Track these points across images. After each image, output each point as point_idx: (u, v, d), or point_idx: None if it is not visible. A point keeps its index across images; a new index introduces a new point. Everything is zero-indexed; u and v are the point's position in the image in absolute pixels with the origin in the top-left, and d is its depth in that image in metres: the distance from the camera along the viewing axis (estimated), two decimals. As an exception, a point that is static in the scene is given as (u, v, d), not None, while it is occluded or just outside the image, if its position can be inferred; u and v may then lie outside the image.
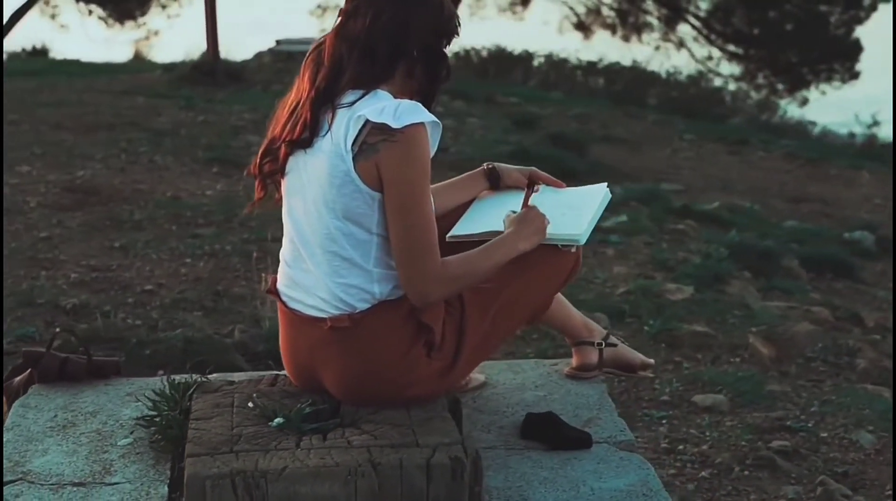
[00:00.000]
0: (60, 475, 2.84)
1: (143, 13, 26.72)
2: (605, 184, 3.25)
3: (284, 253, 2.94)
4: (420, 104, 2.77)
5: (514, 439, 3.02)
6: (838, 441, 4.45)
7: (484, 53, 24.04)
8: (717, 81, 23.99)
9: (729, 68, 24.17)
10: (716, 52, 24.68)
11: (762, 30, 22.73)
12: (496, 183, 3.30)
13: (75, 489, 2.78)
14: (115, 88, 13.63)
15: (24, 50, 24.34)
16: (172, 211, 7.30)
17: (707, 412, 4.67)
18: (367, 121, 2.72)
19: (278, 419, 2.78)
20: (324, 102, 2.81)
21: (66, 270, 5.92)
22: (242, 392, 2.98)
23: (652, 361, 3.51)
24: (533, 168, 3.32)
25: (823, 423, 4.64)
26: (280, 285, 2.95)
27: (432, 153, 2.82)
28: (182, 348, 4.69)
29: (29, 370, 3.40)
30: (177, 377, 3.13)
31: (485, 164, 3.31)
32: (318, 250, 2.83)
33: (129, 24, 26.63)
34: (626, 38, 25.39)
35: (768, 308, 6.22)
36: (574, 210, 3.12)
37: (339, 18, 2.87)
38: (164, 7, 26.62)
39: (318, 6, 24.81)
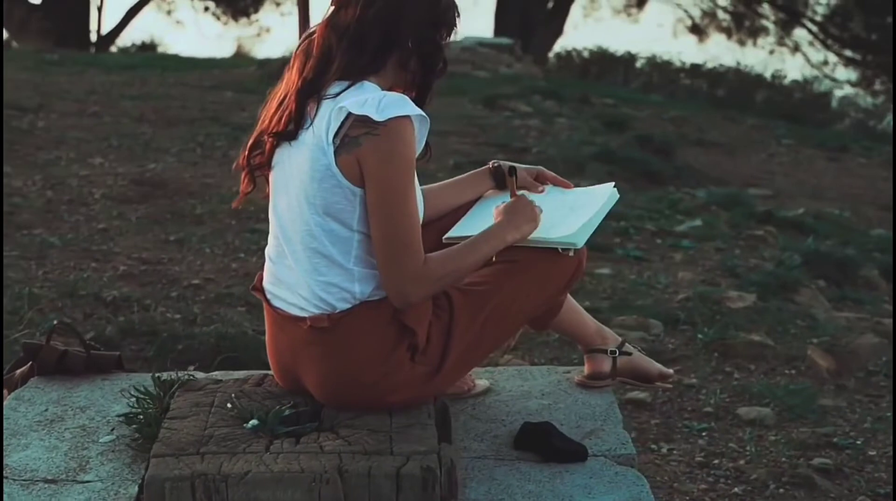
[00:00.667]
0: (35, 470, 2.78)
1: (256, 10, 27.00)
2: (612, 184, 3.11)
3: (269, 249, 2.84)
4: (407, 97, 2.66)
5: (507, 449, 2.89)
6: (886, 461, 4.23)
7: (586, 54, 23.82)
8: (825, 86, 23.50)
9: (845, 73, 23.72)
10: (832, 58, 24.23)
11: (880, 35, 22.22)
12: (502, 182, 3.17)
13: (46, 486, 2.71)
14: (206, 83, 13.68)
15: (133, 45, 24.74)
16: (236, 206, 7.26)
17: (750, 426, 4.48)
18: (350, 113, 2.62)
19: (253, 421, 2.69)
20: (309, 93, 2.71)
21: (116, 262, 5.90)
22: (226, 392, 2.89)
23: (671, 372, 3.36)
24: (540, 167, 3.18)
25: (874, 441, 4.42)
26: (265, 283, 2.86)
27: (419, 149, 2.70)
28: (214, 344, 4.63)
29: (30, 362, 3.35)
30: (163, 375, 3.05)
31: (491, 162, 3.18)
32: (300, 247, 2.73)
33: (243, 20, 26.95)
34: (741, 42, 25.05)
35: (835, 319, 5.98)
36: (576, 212, 2.98)
37: (331, 7, 2.77)
38: (277, 4, 26.86)
39: None
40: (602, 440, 2.95)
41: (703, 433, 4.42)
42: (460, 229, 3.00)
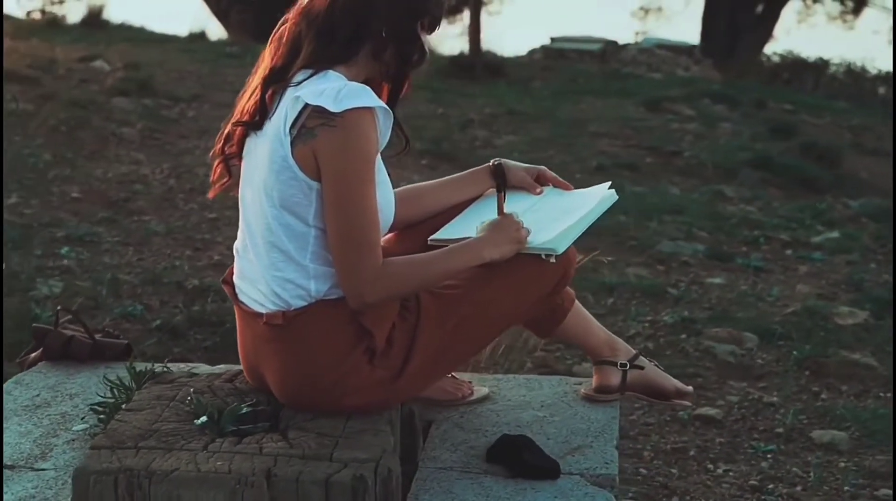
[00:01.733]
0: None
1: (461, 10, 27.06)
2: (608, 184, 2.93)
3: (237, 243, 2.76)
4: (368, 89, 2.54)
5: (478, 462, 2.75)
6: (961, 498, 3.92)
7: (776, 59, 23.14)
8: None
9: None
10: None
11: None
12: (502, 182, 3.03)
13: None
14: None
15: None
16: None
17: (822, 450, 4.22)
18: (307, 104, 2.52)
19: (203, 418, 2.61)
20: (275, 81, 2.62)
21: (213, 251, 5.94)
22: (194, 386, 2.82)
23: (690, 389, 3.15)
24: (542, 167, 3.02)
25: (956, 475, 4.11)
26: (234, 277, 2.78)
27: (383, 142, 2.58)
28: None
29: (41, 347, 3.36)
30: (139, 366, 3.00)
31: (493, 160, 3.04)
32: (260, 241, 2.64)
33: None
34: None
35: (956, 342, 5.60)
36: (567, 215, 2.82)
37: None
38: (484, 4, 26.87)
39: (641, 7, 24.45)
40: (586, 457, 2.78)
41: (769, 455, 4.17)
42: (447, 232, 2.86)
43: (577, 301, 3.06)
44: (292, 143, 2.53)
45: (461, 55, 15.50)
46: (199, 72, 12.39)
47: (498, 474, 2.70)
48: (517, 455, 2.71)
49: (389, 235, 2.99)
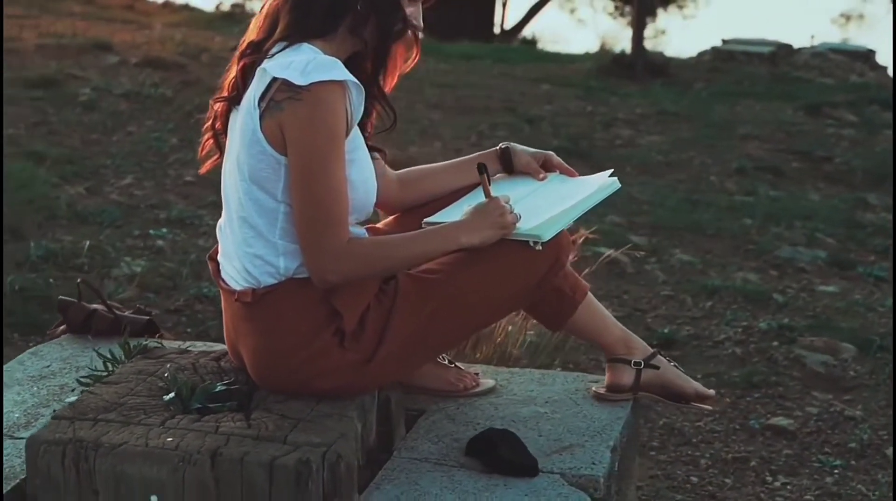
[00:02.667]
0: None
1: (655, 13, 26.78)
2: (610, 171, 2.79)
3: (221, 219, 2.71)
4: (338, 62, 2.47)
5: (457, 455, 2.65)
6: None
7: None
8: None
9: None
10: None
11: None
12: (509, 166, 2.91)
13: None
14: (532, 75, 13.62)
15: (519, 39, 25.03)
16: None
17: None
18: (274, 77, 2.45)
19: (171, 394, 2.57)
20: (251, 54, 2.56)
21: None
22: (180, 363, 2.78)
23: (711, 392, 2.98)
24: (549, 153, 2.91)
25: None
26: (218, 254, 2.73)
27: (356, 118, 2.50)
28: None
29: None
30: (133, 341, 2.98)
31: (501, 144, 2.93)
32: (234, 216, 2.59)
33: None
34: None
35: None
36: (561, 202, 2.69)
37: None
38: (680, 7, 26.58)
39: (842, 14, 23.77)
40: (574, 456, 2.65)
41: (835, 471, 3.95)
42: (443, 215, 2.77)
43: (590, 294, 2.92)
44: (261, 116, 2.47)
45: (622, 54, 15.26)
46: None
47: (473, 468, 2.59)
48: (493, 450, 2.59)
49: (390, 217, 2.91)
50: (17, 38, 11.34)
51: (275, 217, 2.51)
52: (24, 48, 10.84)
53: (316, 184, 2.44)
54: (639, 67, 14.26)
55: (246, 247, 2.56)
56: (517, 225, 2.61)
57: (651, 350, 2.96)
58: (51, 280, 4.74)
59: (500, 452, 2.58)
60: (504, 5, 24.66)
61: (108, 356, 2.88)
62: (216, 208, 6.05)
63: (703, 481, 3.82)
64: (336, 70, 2.43)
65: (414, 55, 2.74)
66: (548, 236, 2.61)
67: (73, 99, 8.64)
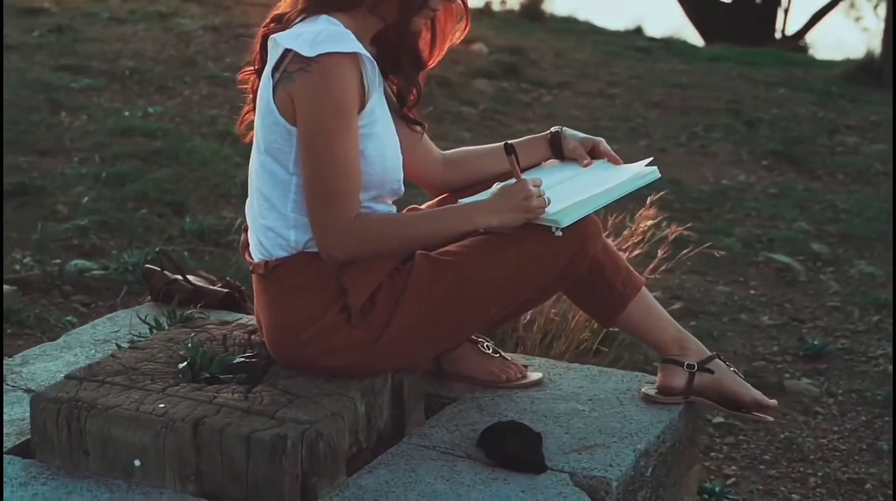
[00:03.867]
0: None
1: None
2: (650, 159, 2.64)
3: None
4: (350, 34, 2.41)
5: (469, 445, 2.56)
6: None
7: None
8: None
9: None
10: None
11: None
12: (559, 152, 2.80)
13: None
14: (772, 79, 13.18)
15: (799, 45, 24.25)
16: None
17: None
18: (286, 48, 2.42)
19: (184, 363, 2.57)
20: (273, 25, 2.54)
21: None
22: (213, 333, 2.78)
23: (773, 402, 2.80)
24: (599, 139, 2.77)
25: None
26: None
27: (372, 92, 2.44)
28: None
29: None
30: (181, 310, 3.00)
31: (553, 128, 2.82)
32: (253, 188, 2.58)
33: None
34: None
35: None
36: (590, 188, 2.57)
37: None
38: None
39: None
40: (593, 457, 2.52)
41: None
42: (481, 197, 2.67)
43: (644, 290, 2.78)
44: (275, 87, 2.44)
45: (870, 58, 14.57)
46: (588, 61, 12.30)
47: (480, 460, 2.49)
48: (501, 443, 2.49)
49: (435, 199, 2.84)
50: (254, 24, 11.69)
51: (287, 189, 2.48)
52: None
53: (321, 157, 2.39)
54: (885, 74, 13.60)
55: (261, 219, 2.54)
56: (547, 210, 2.50)
57: (708, 353, 2.80)
58: (185, 253, 4.84)
59: (507, 445, 2.48)
60: (786, 11, 24.01)
61: (151, 323, 2.91)
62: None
63: (803, 500, 3.59)
64: (346, 42, 2.38)
65: (464, 26, 2.66)
66: (566, 222, 2.49)
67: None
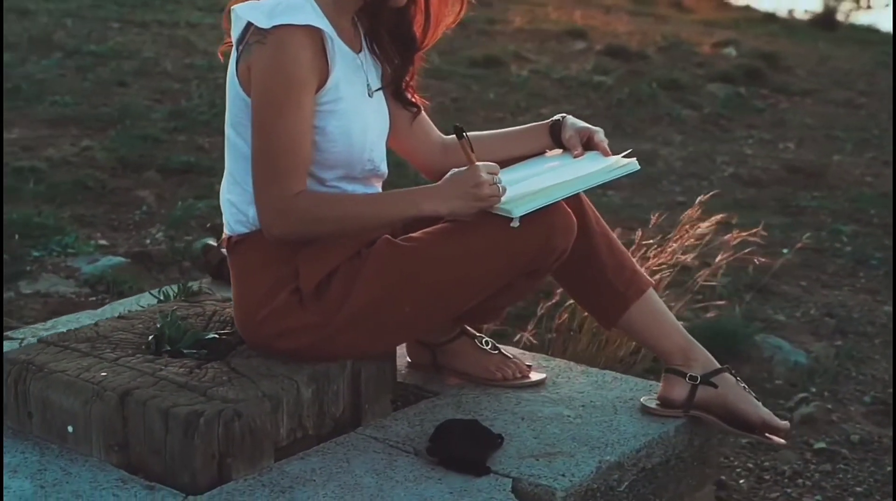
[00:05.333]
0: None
1: None
2: (629, 151, 2.47)
3: None
4: (308, 6, 2.35)
5: (422, 441, 2.45)
6: None
7: None
8: None
9: None
10: None
11: None
12: (558, 140, 2.65)
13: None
14: None
15: None
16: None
17: None
18: (248, 20, 2.38)
19: (152, 336, 2.58)
20: None
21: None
22: (207, 309, 2.77)
23: (784, 424, 2.57)
24: (597, 130, 2.60)
25: None
26: None
27: (332, 72, 2.37)
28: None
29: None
30: (191, 284, 3.01)
31: (556, 115, 2.67)
32: (225, 162, 2.55)
33: None
34: None
35: None
36: (553, 179, 2.42)
37: None
38: None
39: None
40: (549, 465, 2.37)
41: None
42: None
43: (649, 294, 2.61)
44: (238, 59, 2.40)
45: None
46: (851, 70, 11.70)
47: (424, 457, 2.38)
48: (445, 441, 2.37)
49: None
50: (504, 20, 11.76)
51: (248, 164, 2.44)
52: (505, 30, 11.23)
53: (266, 131, 2.34)
54: None
55: (227, 193, 2.51)
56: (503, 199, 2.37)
57: (716, 365, 2.60)
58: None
59: (450, 444, 2.36)
60: None
61: (161, 296, 2.92)
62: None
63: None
64: (301, 14, 2.31)
65: (458, 10, 2.56)
66: (518, 212, 2.34)
67: (505, 79, 8.81)
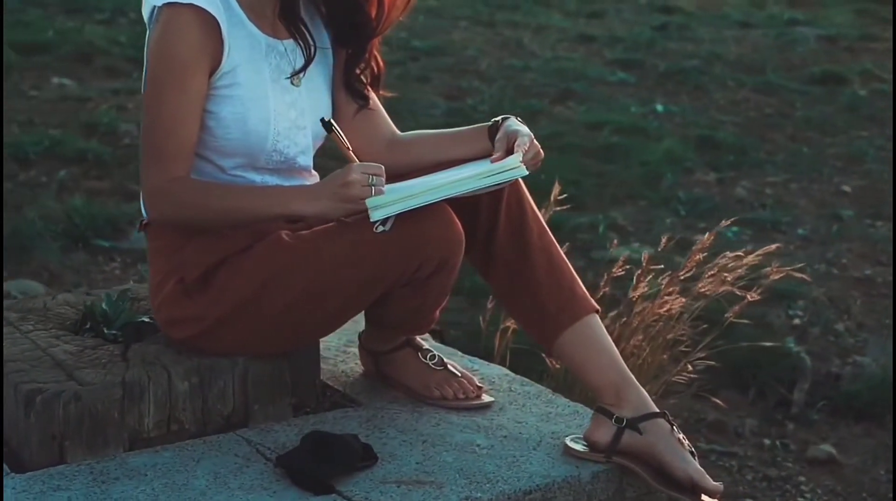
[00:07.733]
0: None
1: None
2: (518, 156, 2.23)
3: None
4: None
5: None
6: None
7: None
8: None
9: None
10: None
11: None
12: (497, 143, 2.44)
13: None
14: None
15: None
16: None
17: None
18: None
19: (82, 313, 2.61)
20: None
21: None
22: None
23: (717, 486, 2.25)
24: (525, 133, 2.35)
25: None
26: None
27: (227, 54, 2.30)
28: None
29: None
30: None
31: (498, 117, 2.45)
32: None
33: None
34: None
35: None
36: (428, 183, 2.24)
37: None
38: None
39: None
40: (406, 493, 2.19)
41: None
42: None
43: (588, 320, 2.37)
44: (149, 38, 2.37)
45: None
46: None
47: (280, 469, 2.26)
48: (294, 454, 2.24)
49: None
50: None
51: None
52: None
53: (148, 111, 2.31)
54: None
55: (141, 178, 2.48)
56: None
57: (651, 409, 2.31)
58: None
59: (298, 458, 2.22)
60: None
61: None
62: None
63: None
64: None
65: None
66: (377, 216, 2.16)
67: (838, 95, 8.07)
